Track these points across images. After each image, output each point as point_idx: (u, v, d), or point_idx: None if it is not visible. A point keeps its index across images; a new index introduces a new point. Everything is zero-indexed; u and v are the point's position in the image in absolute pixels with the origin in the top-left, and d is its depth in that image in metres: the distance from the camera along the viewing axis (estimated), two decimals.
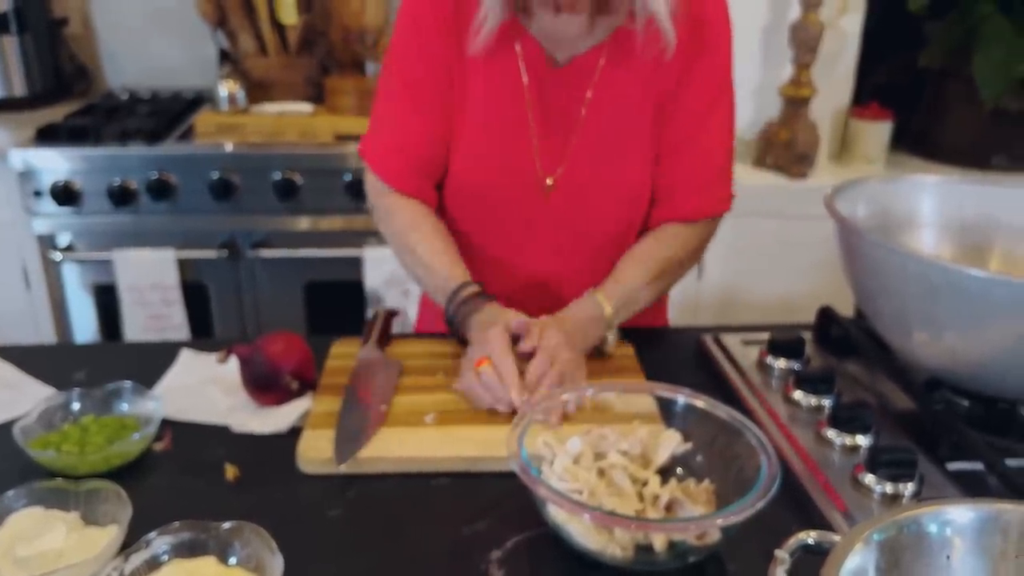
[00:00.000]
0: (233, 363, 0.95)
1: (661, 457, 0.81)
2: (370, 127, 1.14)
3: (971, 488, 0.81)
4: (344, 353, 1.03)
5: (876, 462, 0.80)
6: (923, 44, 2.09)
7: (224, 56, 2.37)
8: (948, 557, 0.60)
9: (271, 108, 2.19)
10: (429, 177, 1.12)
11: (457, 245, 1.10)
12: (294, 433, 0.89)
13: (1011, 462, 0.82)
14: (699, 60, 1.06)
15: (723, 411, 0.80)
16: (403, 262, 1.12)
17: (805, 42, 1.97)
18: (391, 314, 1.09)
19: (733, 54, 1.10)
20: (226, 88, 2.16)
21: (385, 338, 1.06)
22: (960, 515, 0.59)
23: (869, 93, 2.21)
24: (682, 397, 0.83)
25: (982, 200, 1.05)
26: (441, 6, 1.05)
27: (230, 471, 0.84)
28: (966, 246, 1.04)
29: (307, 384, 0.95)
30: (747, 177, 2.04)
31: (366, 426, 0.88)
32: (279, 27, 2.26)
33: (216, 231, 2.06)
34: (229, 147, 2.03)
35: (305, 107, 2.20)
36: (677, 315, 1.38)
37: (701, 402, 0.82)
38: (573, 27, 1.04)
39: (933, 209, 1.04)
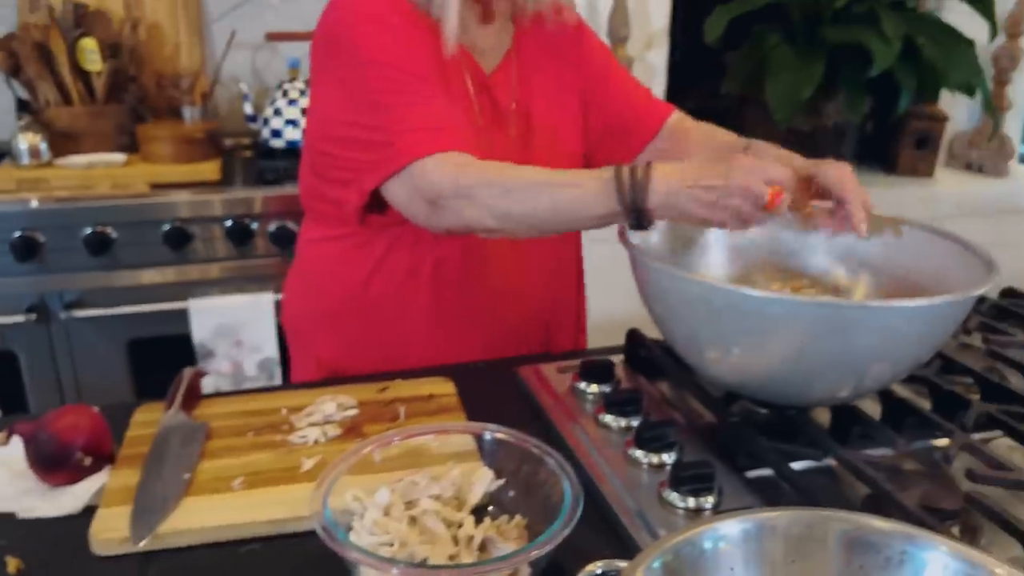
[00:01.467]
0: (18, 444, 0.88)
1: (475, 496, 0.81)
2: (393, 138, 1.02)
3: (768, 494, 0.85)
4: (147, 420, 0.97)
5: (677, 479, 0.83)
6: (724, 73, 2.24)
7: (23, 106, 2.22)
8: (732, 569, 0.63)
9: (78, 160, 2.06)
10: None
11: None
12: (89, 513, 0.83)
13: (797, 465, 0.87)
14: (583, 38, 1.25)
15: (527, 441, 0.81)
16: (527, 208, 0.98)
17: None
18: (199, 375, 1.04)
19: None
20: (26, 140, 2.03)
21: (193, 399, 1.01)
22: (731, 528, 0.61)
23: None
24: (488, 433, 0.83)
25: None
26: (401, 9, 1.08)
27: (12, 564, 0.77)
28: (755, 264, 1.12)
29: (103, 458, 0.89)
30: None
31: (167, 498, 0.83)
32: (83, 74, 2.15)
33: (22, 294, 1.91)
34: (33, 203, 1.90)
35: (117, 157, 2.09)
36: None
37: (504, 434, 0.82)
38: (492, 37, 1.14)
39: (721, 231, 1.11)
